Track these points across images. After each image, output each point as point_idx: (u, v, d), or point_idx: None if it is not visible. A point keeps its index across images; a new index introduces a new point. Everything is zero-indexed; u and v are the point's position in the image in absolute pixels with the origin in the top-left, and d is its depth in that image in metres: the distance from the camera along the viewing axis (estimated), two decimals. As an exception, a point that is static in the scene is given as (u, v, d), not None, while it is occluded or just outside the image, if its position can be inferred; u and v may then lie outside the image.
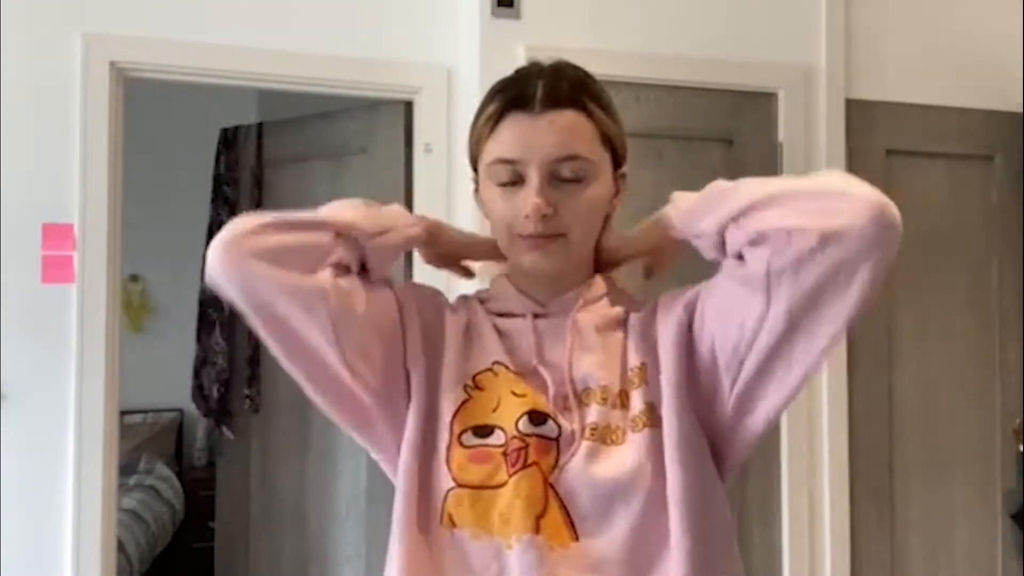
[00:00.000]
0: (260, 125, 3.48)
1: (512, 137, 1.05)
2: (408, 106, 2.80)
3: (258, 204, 3.45)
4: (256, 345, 3.44)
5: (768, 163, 2.82)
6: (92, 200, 2.47)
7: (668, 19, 2.77)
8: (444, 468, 1.03)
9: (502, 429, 1.03)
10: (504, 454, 1.02)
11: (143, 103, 2.92)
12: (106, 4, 2.53)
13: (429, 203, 2.64)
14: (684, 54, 2.76)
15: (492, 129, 1.06)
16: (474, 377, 1.07)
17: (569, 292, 1.11)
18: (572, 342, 1.07)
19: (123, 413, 3.34)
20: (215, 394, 3.52)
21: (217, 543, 3.72)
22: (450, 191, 2.66)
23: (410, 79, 2.70)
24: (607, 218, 1.14)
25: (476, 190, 1.14)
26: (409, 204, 2.83)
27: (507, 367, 1.07)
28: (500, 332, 1.11)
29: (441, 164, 2.71)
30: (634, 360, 1.06)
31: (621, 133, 1.11)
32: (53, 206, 2.47)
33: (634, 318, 1.10)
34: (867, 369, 2.90)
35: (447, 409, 1.06)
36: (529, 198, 1.03)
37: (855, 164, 2.89)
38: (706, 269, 1.06)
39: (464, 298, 1.18)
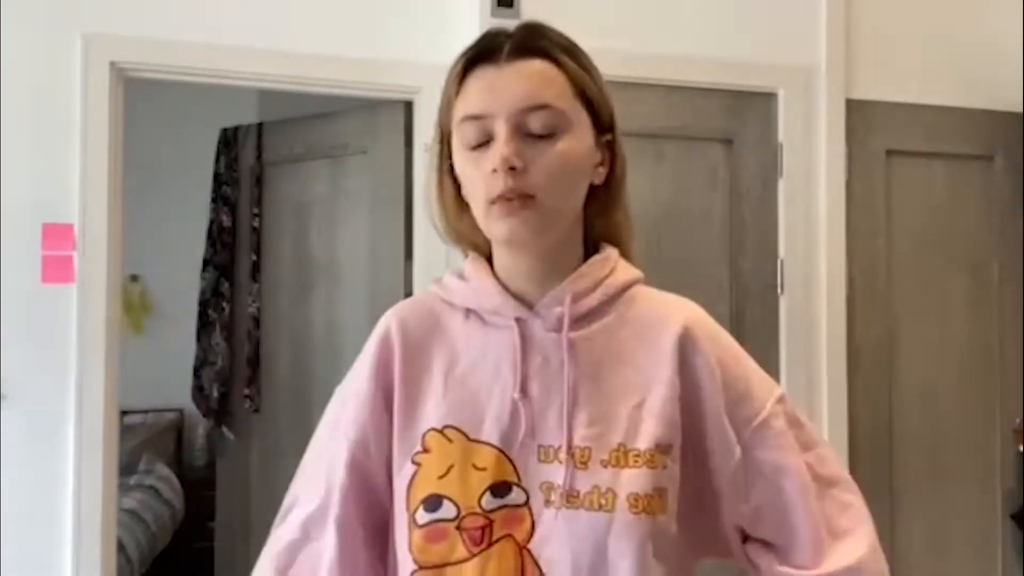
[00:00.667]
0: (260, 125, 3.48)
1: (477, 90, 0.98)
2: (408, 106, 2.80)
3: (258, 204, 3.45)
4: (256, 345, 3.44)
5: (768, 163, 2.83)
6: (92, 200, 2.47)
7: (668, 19, 2.77)
8: (407, 551, 0.98)
9: (451, 500, 0.96)
10: (459, 528, 0.96)
11: (143, 103, 2.92)
12: (106, 4, 2.53)
13: (429, 203, 2.63)
14: (684, 54, 2.76)
15: (459, 89, 1.00)
16: (423, 437, 1.00)
17: (557, 286, 1.01)
18: (569, 396, 0.99)
19: (123, 413, 3.34)
20: (215, 394, 3.52)
21: (217, 543, 3.72)
22: (450, 191, 2.66)
23: (410, 79, 2.70)
24: (609, 197, 1.05)
25: (439, 180, 1.06)
26: (409, 204, 2.84)
27: (464, 433, 0.99)
28: (473, 348, 1.02)
29: (441, 164, 2.71)
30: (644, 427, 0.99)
31: (603, 96, 1.02)
32: (53, 206, 2.46)
33: (636, 339, 1.03)
34: (867, 369, 2.90)
35: (400, 485, 1.00)
36: (497, 150, 0.95)
37: (855, 164, 2.89)
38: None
39: (411, 308, 1.08)
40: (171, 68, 2.59)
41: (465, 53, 1.01)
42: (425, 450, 0.99)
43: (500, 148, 0.95)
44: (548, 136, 0.97)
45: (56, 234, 2.46)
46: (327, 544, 1.02)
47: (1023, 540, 3.01)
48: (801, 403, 2.78)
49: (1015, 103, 3.00)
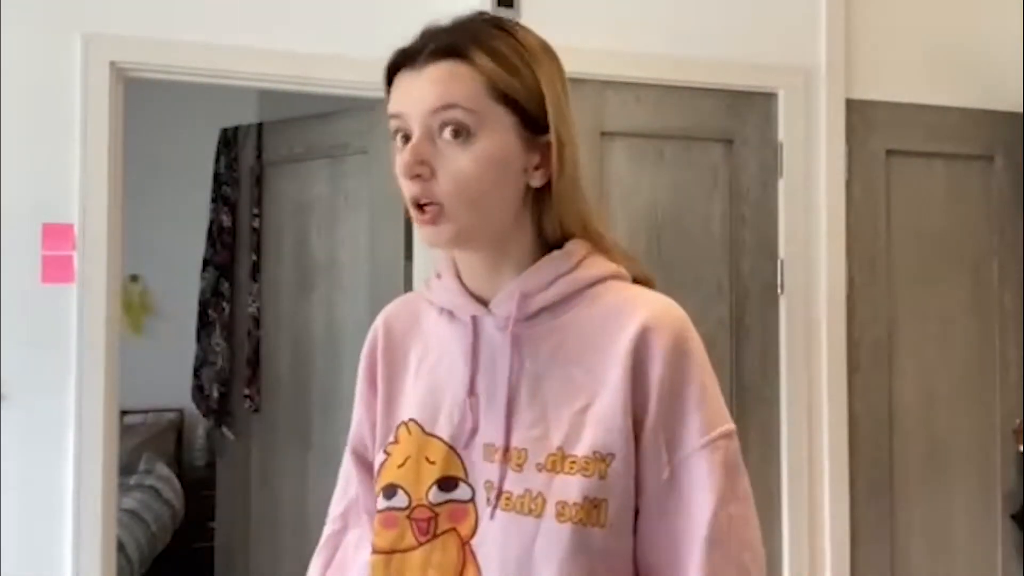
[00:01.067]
0: (260, 125, 3.48)
1: (397, 92, 0.98)
2: (408, 106, 2.80)
3: (258, 204, 3.46)
4: (256, 345, 3.44)
5: (768, 163, 2.83)
6: (92, 200, 2.47)
7: (668, 19, 2.77)
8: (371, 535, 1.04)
9: (404, 490, 1.00)
10: (409, 518, 0.99)
11: (143, 103, 2.92)
12: (106, 4, 2.53)
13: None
14: (684, 54, 2.76)
15: (389, 89, 1.01)
16: (397, 429, 1.04)
17: (510, 283, 0.99)
18: (508, 396, 0.98)
19: (123, 413, 3.34)
20: (215, 394, 3.52)
21: (217, 543, 3.72)
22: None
23: (410, 79, 2.69)
24: (555, 199, 0.99)
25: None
26: (409, 204, 2.84)
27: (420, 426, 1.02)
28: (440, 344, 1.05)
29: (441, 164, 2.71)
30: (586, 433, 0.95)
31: (534, 96, 0.97)
32: (53, 206, 2.46)
33: (593, 345, 0.97)
34: (867, 369, 2.90)
35: (376, 472, 1.06)
36: (403, 155, 0.95)
37: (855, 164, 2.90)
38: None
39: (395, 308, 1.13)
40: (171, 68, 2.59)
41: (393, 55, 0.99)
42: (396, 441, 1.04)
43: (405, 154, 0.95)
44: (461, 138, 0.93)
45: (56, 234, 2.46)
46: (363, 528, 1.12)
47: (1023, 540, 3.02)
48: (801, 403, 2.78)
49: (1015, 103, 3.00)
